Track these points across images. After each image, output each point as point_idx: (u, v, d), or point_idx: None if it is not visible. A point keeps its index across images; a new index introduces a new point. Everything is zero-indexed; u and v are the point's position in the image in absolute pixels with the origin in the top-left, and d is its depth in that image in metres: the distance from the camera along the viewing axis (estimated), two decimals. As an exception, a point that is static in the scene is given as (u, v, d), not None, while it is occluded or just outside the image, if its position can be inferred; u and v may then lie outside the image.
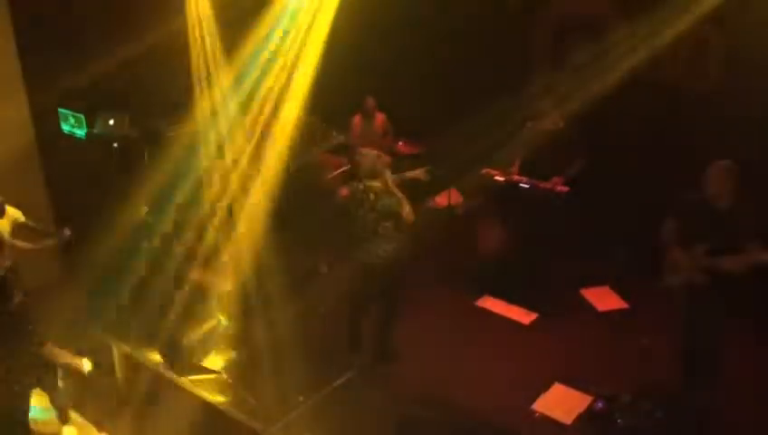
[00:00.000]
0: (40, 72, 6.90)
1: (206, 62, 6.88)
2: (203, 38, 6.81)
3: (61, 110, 7.67)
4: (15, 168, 6.83)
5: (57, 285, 6.81)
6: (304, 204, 7.22)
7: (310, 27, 6.91)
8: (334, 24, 6.88)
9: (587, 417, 5.41)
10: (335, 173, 8.12)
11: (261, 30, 6.97)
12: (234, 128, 7.03)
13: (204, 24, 6.78)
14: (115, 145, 7.44)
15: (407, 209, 5.50)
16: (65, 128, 7.74)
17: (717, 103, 6.53)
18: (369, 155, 5.62)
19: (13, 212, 5.50)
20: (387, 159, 5.79)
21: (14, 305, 4.95)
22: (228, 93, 6.97)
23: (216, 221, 6.72)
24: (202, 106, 6.95)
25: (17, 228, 5.50)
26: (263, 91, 7.09)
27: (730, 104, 6.41)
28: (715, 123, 6.46)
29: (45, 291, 6.27)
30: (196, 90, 6.94)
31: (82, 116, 7.58)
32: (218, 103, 6.96)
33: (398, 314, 5.97)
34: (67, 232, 5.59)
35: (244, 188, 6.91)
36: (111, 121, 7.51)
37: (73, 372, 5.42)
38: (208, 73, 6.90)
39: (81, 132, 7.64)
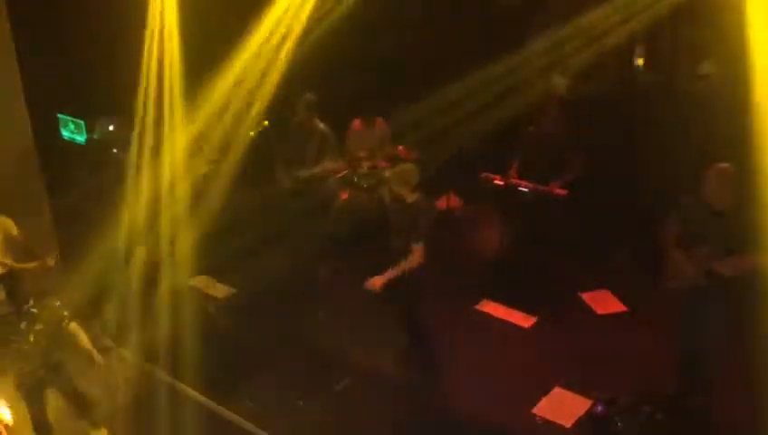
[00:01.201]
0: (39, 78, 6.91)
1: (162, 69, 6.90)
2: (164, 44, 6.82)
3: (60, 115, 7.69)
4: (15, 173, 6.83)
5: (56, 289, 6.81)
6: (307, 210, 7.24)
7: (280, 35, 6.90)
8: (332, 25, 6.90)
9: (587, 420, 5.41)
10: (335, 177, 8.12)
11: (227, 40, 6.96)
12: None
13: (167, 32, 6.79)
14: (114, 150, 7.44)
15: None
16: (65, 134, 7.76)
17: (716, 105, 6.54)
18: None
19: (3, 221, 5.49)
20: None
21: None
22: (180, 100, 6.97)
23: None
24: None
25: (8, 239, 5.48)
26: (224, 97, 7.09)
27: (729, 106, 6.42)
28: (715, 125, 6.47)
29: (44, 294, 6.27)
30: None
31: (82, 122, 7.60)
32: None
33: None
34: (51, 261, 5.57)
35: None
36: (111, 127, 7.53)
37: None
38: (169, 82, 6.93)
39: (80, 138, 7.66)
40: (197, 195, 7.09)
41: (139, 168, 7.05)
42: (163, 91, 6.95)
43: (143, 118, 7.00)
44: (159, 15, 6.74)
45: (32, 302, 4.87)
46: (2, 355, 4.98)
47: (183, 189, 6.92)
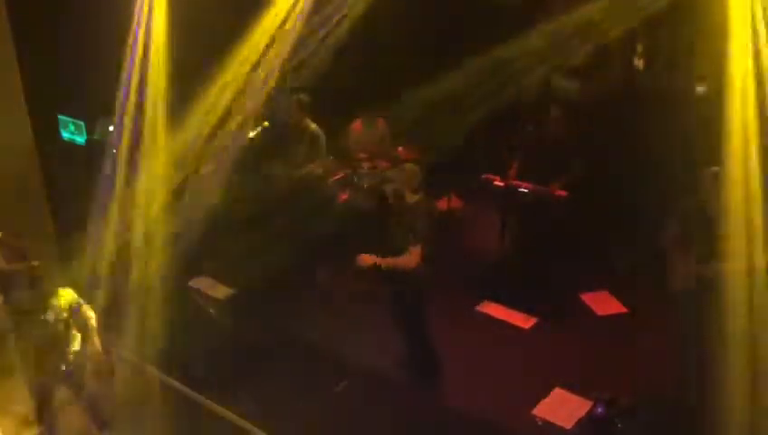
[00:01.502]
0: (39, 78, 6.91)
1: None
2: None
3: (60, 116, 7.69)
4: (15, 173, 6.83)
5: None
6: (305, 212, 7.24)
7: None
8: (332, 25, 6.90)
9: (587, 421, 5.40)
10: (334, 178, 8.12)
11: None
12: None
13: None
14: (114, 151, 7.43)
15: None
16: (65, 135, 7.76)
17: (715, 107, 6.54)
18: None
19: None
20: None
21: None
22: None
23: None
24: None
25: None
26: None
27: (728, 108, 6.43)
28: (714, 127, 6.47)
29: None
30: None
31: (82, 123, 7.59)
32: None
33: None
34: (35, 262, 5.58)
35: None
36: (111, 127, 7.52)
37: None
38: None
39: (80, 139, 7.66)
40: (198, 196, 7.10)
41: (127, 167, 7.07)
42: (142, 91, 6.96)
43: (126, 117, 7.01)
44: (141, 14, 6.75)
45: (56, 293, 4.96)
46: (22, 350, 5.05)
47: (162, 192, 6.93)
